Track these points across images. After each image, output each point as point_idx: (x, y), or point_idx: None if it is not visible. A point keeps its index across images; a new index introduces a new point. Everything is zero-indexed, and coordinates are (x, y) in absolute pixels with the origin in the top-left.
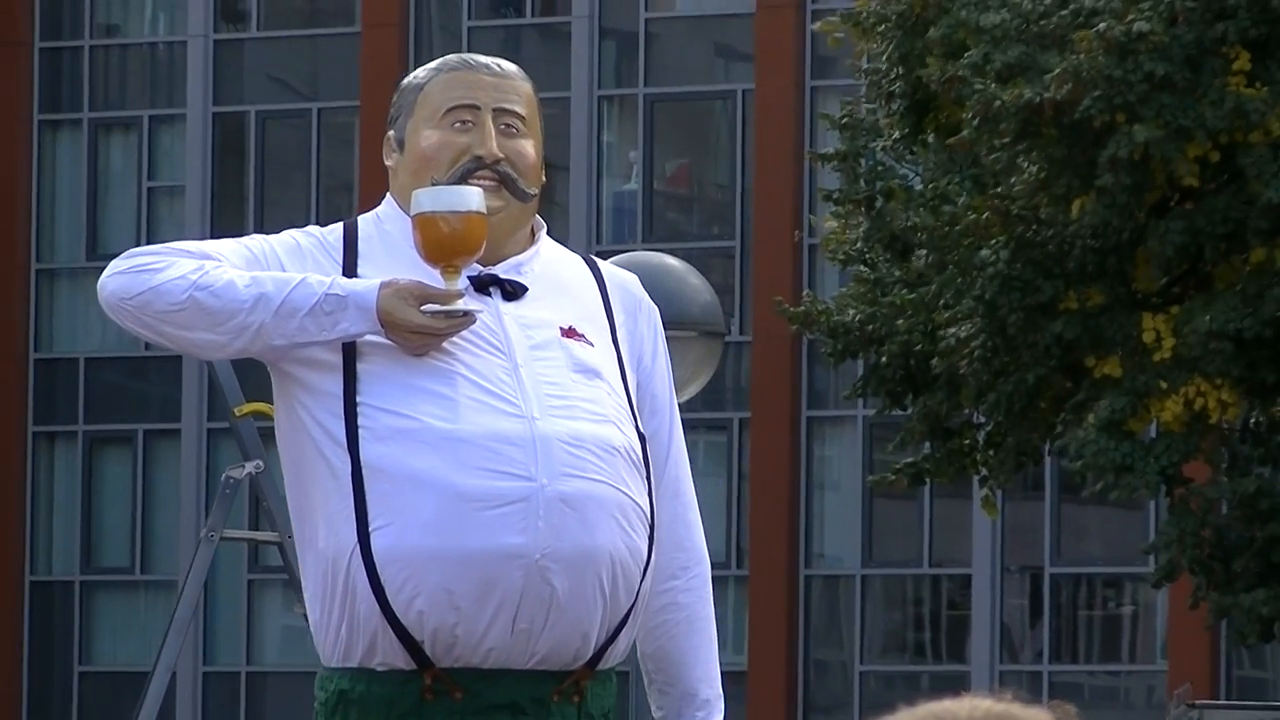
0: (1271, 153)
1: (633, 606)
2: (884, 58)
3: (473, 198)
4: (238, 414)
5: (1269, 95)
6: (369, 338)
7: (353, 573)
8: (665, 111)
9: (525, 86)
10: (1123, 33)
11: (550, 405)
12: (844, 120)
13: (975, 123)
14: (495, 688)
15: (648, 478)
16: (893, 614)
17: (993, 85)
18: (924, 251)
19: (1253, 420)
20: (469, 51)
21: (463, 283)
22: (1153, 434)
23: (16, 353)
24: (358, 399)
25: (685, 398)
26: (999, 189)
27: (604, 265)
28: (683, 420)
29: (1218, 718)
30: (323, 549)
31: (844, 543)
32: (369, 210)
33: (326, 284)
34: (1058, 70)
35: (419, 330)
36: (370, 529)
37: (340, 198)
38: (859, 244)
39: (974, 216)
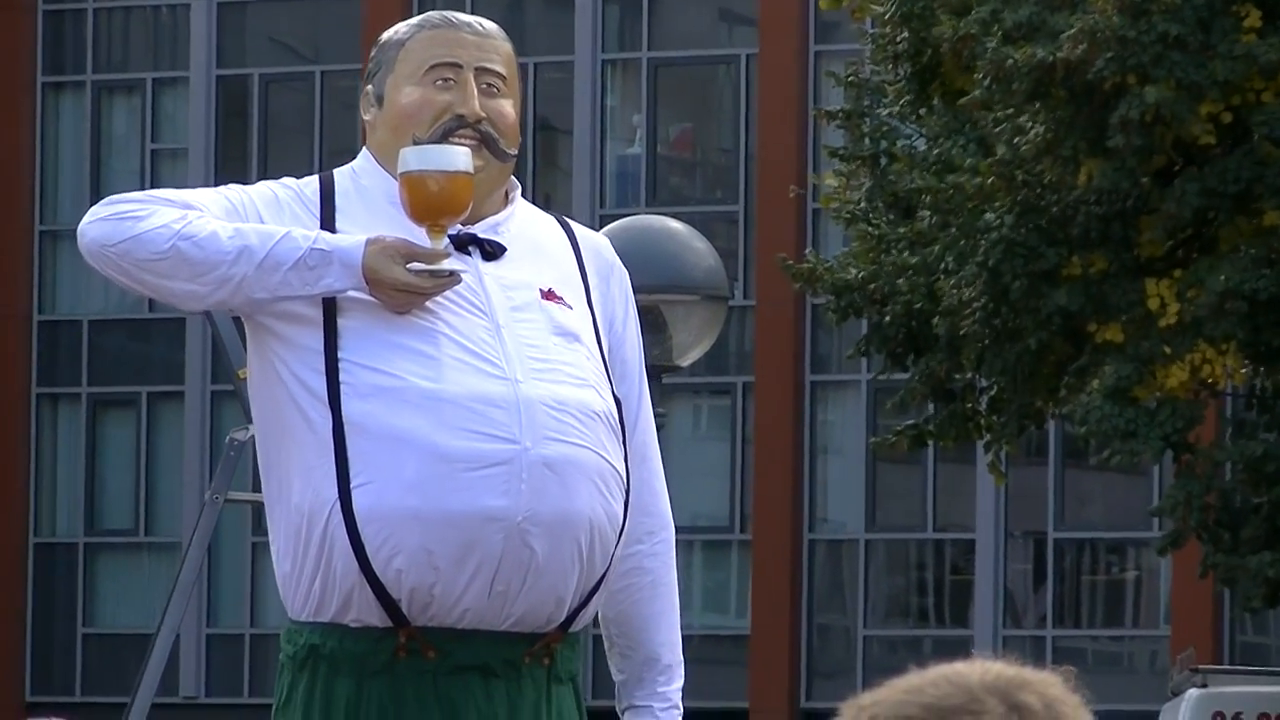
0: None
1: (606, 571)
2: (886, 17)
3: (460, 157)
4: (241, 376)
5: None
6: (350, 293)
7: (331, 529)
8: (669, 76)
9: (506, 47)
10: None
11: (532, 368)
12: (849, 78)
13: (986, 83)
14: (468, 648)
15: (623, 442)
16: (896, 579)
17: (1003, 46)
18: (928, 213)
19: (1258, 385)
20: (474, 15)
21: (443, 243)
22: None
23: (20, 314)
24: (339, 355)
25: (688, 362)
26: (1003, 154)
27: (577, 227)
28: (686, 385)
29: (1221, 682)
30: (297, 504)
31: (847, 507)
32: None
33: (311, 239)
34: (1074, 30)
35: (404, 288)
36: (351, 486)
37: (343, 160)
38: (861, 203)
39: (979, 180)
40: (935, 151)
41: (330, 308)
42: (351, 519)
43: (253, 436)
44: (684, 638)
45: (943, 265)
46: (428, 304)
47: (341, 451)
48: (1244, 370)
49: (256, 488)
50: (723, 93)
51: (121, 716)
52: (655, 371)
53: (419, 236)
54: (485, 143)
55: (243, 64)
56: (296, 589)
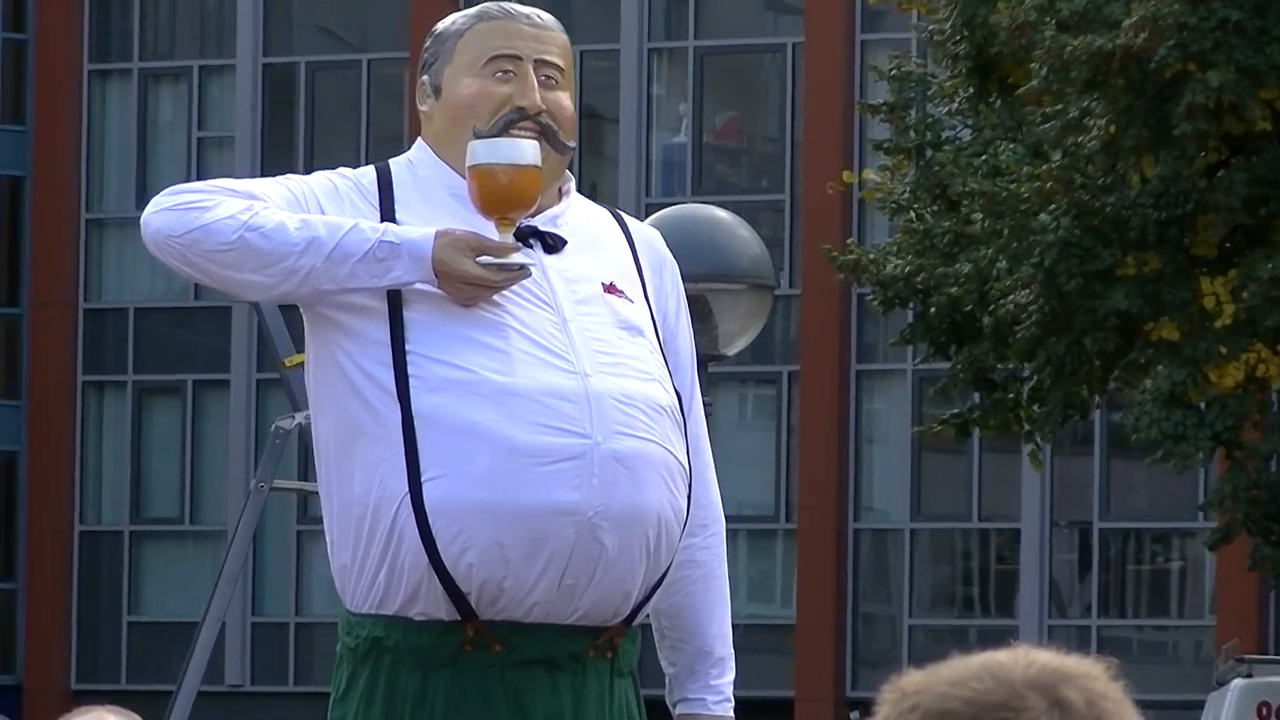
0: None
1: (670, 565)
2: (949, 22)
3: (529, 151)
4: (287, 365)
5: None
6: (416, 285)
7: (400, 521)
8: (715, 64)
9: (562, 38)
10: None
11: (600, 362)
12: (892, 72)
13: (1044, 72)
14: (533, 642)
15: (684, 436)
16: (941, 568)
17: (1060, 35)
18: (980, 216)
19: None
20: (528, 6)
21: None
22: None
23: (66, 302)
24: (406, 347)
25: (734, 351)
26: (1062, 158)
27: (629, 219)
28: (732, 374)
29: (1266, 672)
30: (360, 495)
31: (892, 497)
32: None
33: (379, 231)
34: (1135, 18)
35: (474, 282)
36: (421, 479)
37: (389, 149)
38: (906, 194)
39: (1037, 184)
40: (983, 157)
41: (395, 300)
42: (422, 512)
43: (298, 425)
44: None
45: (994, 271)
46: (494, 297)
47: (411, 445)
48: None
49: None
50: (768, 81)
51: (167, 705)
52: (701, 360)
53: (481, 227)
54: (545, 135)
55: (289, 52)
56: (358, 581)
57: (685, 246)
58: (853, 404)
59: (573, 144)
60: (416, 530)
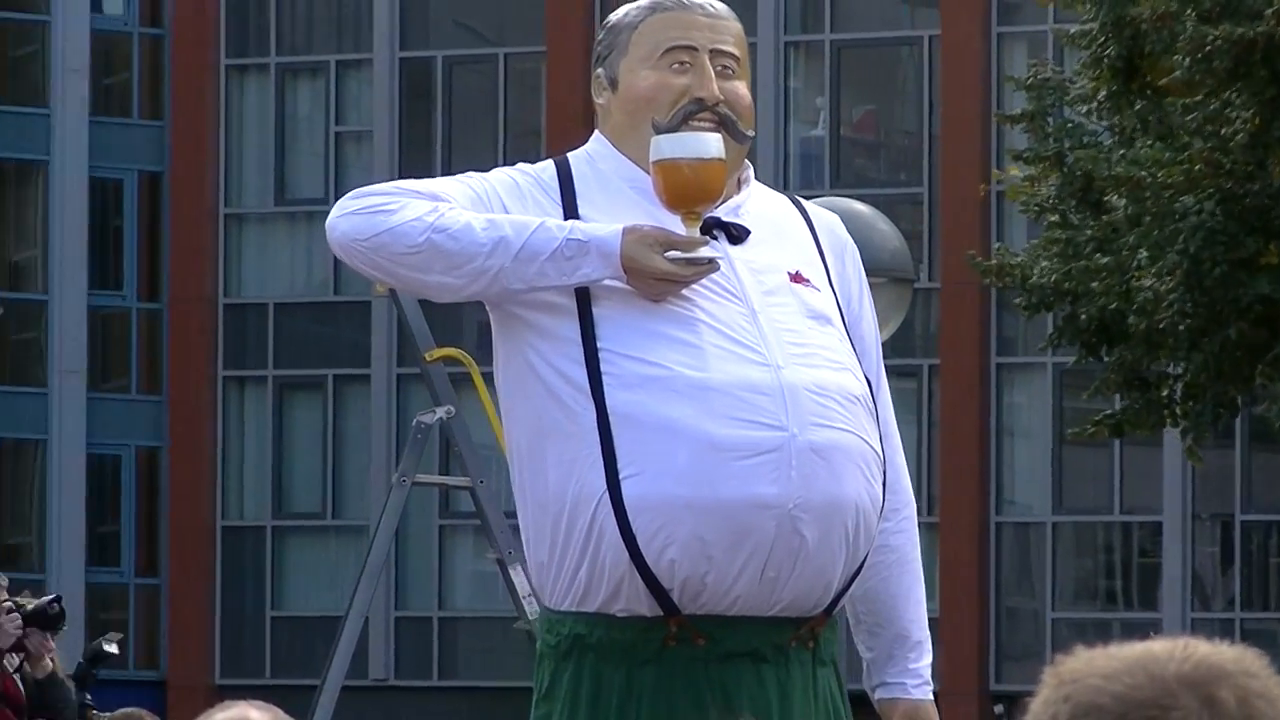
0: None
1: (868, 553)
2: (1095, 21)
3: (713, 144)
4: (428, 359)
5: None
6: (605, 281)
7: (599, 519)
8: (851, 57)
9: (737, 27)
10: None
11: (791, 353)
12: (1029, 81)
13: (1186, 63)
14: (737, 634)
15: (877, 423)
16: (1083, 561)
17: (1201, 25)
18: (1123, 202)
19: None
20: None
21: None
22: None
23: (206, 297)
24: (598, 344)
25: None
26: (1210, 144)
27: (809, 206)
28: None
29: None
30: (556, 494)
31: (1034, 490)
32: (555, 155)
33: (566, 229)
34: (1277, 6)
35: (663, 277)
36: (620, 476)
37: (527, 143)
38: (1051, 199)
39: (1185, 167)
40: (1122, 152)
41: (584, 297)
42: (621, 509)
43: (440, 419)
44: None
45: (1135, 262)
46: (682, 291)
47: (607, 442)
48: None
49: (444, 470)
50: (906, 74)
51: (312, 699)
52: None
53: (665, 220)
54: (724, 125)
55: (426, 46)
56: (556, 579)
57: None
58: (993, 397)
59: (752, 133)
60: (617, 528)
